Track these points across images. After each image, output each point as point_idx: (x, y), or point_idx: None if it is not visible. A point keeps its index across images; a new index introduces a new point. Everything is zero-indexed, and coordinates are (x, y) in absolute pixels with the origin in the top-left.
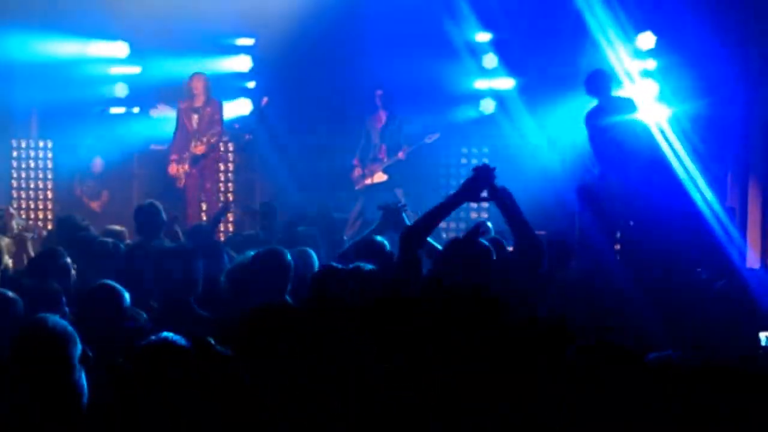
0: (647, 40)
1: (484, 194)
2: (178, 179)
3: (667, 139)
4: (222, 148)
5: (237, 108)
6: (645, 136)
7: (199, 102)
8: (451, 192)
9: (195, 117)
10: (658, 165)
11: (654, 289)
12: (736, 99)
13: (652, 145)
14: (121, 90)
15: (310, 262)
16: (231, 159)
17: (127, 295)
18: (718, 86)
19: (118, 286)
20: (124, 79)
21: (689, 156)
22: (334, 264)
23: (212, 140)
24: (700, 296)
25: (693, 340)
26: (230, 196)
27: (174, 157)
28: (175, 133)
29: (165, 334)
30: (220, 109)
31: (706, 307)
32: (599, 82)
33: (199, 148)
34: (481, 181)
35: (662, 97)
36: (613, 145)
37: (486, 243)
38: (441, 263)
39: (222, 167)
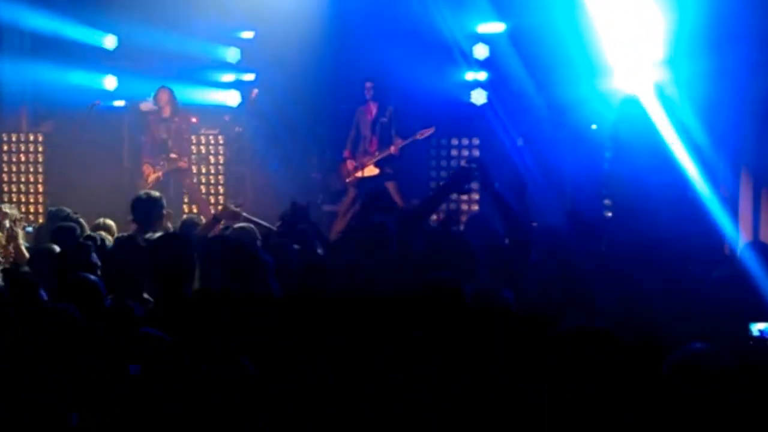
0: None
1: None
2: (145, 180)
3: (666, 131)
4: (212, 142)
5: (227, 99)
6: (646, 129)
7: (166, 113)
8: (442, 183)
9: (163, 127)
10: (659, 157)
11: (650, 278)
12: (730, 89)
13: (653, 137)
14: (110, 83)
15: (287, 254)
16: (222, 152)
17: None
18: (713, 77)
19: (93, 278)
20: (114, 71)
21: (686, 147)
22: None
23: (191, 160)
24: (696, 287)
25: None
26: (221, 189)
27: (147, 159)
28: (144, 135)
29: (145, 329)
30: (189, 118)
31: (703, 297)
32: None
33: (182, 164)
34: (466, 176)
35: (661, 87)
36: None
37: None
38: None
39: (213, 160)
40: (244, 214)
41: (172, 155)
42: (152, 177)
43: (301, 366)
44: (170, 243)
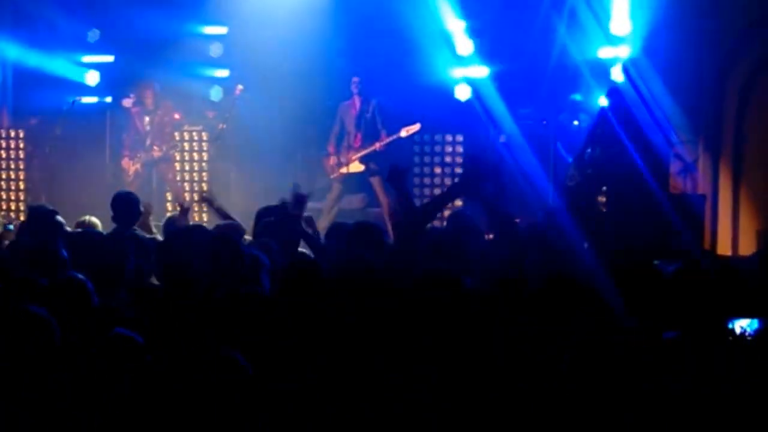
0: (622, 25)
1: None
2: (126, 173)
3: (643, 127)
4: (196, 138)
5: (211, 95)
6: (628, 122)
7: (149, 107)
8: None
9: (147, 119)
10: (640, 151)
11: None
12: (709, 88)
13: (634, 131)
14: (92, 78)
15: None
16: (205, 149)
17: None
18: (692, 76)
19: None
20: (96, 67)
21: (662, 142)
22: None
23: (170, 152)
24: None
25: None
26: (204, 186)
27: (126, 153)
28: (126, 130)
29: (118, 329)
30: (172, 113)
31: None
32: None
33: (156, 152)
34: (481, 175)
35: (634, 85)
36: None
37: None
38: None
39: (196, 157)
40: (216, 204)
41: (155, 147)
42: (132, 170)
43: (299, 365)
44: (176, 244)
